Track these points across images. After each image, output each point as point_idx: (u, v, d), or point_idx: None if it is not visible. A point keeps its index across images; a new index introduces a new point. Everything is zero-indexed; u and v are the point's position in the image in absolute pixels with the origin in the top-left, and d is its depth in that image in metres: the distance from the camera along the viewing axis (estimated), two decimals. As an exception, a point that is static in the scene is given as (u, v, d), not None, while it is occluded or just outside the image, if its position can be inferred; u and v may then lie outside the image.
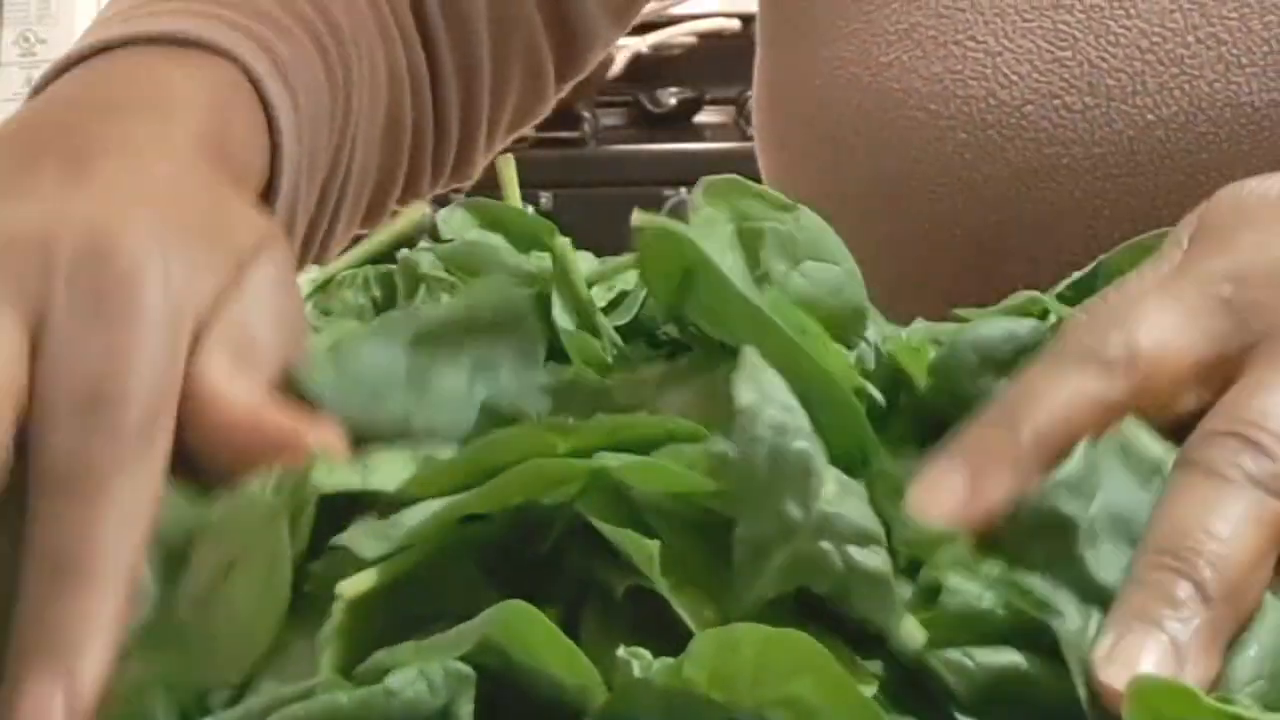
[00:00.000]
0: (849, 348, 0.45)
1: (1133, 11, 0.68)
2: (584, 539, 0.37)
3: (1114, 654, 0.36)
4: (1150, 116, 0.69)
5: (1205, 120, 0.68)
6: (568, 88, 0.82)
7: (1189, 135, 0.69)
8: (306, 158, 0.59)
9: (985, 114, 0.69)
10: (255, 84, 0.56)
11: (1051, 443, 0.40)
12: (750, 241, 0.45)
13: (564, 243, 0.48)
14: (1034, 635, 0.37)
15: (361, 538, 0.38)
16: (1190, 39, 0.68)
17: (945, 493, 0.40)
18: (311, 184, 0.61)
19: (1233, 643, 0.37)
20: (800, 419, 0.37)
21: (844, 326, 0.45)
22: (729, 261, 0.43)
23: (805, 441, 0.36)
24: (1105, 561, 0.38)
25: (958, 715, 0.36)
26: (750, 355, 0.38)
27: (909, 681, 0.37)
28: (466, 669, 0.34)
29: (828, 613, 0.37)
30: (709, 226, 0.45)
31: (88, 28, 0.59)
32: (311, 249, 0.64)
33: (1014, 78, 0.69)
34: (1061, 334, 0.42)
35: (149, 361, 0.42)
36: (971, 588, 0.37)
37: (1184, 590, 0.37)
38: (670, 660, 0.33)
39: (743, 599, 0.36)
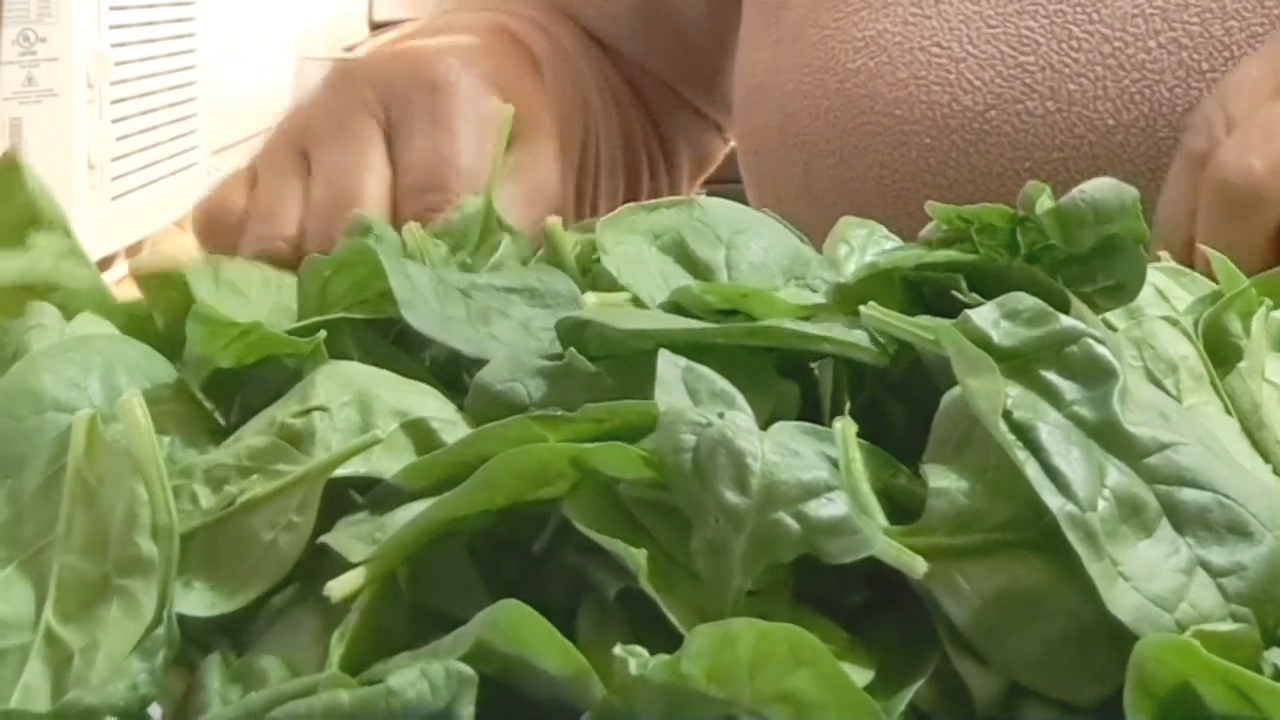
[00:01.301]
0: (811, 289, 0.47)
1: (1095, 17, 0.69)
2: (578, 535, 0.37)
3: None
4: (1111, 121, 0.70)
5: (1166, 126, 0.69)
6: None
7: (1150, 140, 0.70)
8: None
9: (949, 119, 0.69)
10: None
11: None
12: (675, 249, 0.47)
13: (555, 222, 0.49)
14: (1031, 527, 0.36)
15: (347, 540, 0.38)
16: (1152, 44, 0.68)
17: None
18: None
19: (1210, 570, 0.37)
20: (724, 401, 0.38)
21: (794, 272, 0.47)
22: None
23: (728, 429, 0.36)
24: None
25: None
26: (664, 358, 0.39)
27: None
28: (468, 670, 0.34)
29: (823, 596, 0.37)
30: (633, 256, 0.47)
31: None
32: (584, 200, 0.80)
33: (977, 83, 0.69)
34: None
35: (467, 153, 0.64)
36: (958, 483, 0.37)
37: None
38: (667, 656, 0.33)
39: (723, 600, 0.36)
